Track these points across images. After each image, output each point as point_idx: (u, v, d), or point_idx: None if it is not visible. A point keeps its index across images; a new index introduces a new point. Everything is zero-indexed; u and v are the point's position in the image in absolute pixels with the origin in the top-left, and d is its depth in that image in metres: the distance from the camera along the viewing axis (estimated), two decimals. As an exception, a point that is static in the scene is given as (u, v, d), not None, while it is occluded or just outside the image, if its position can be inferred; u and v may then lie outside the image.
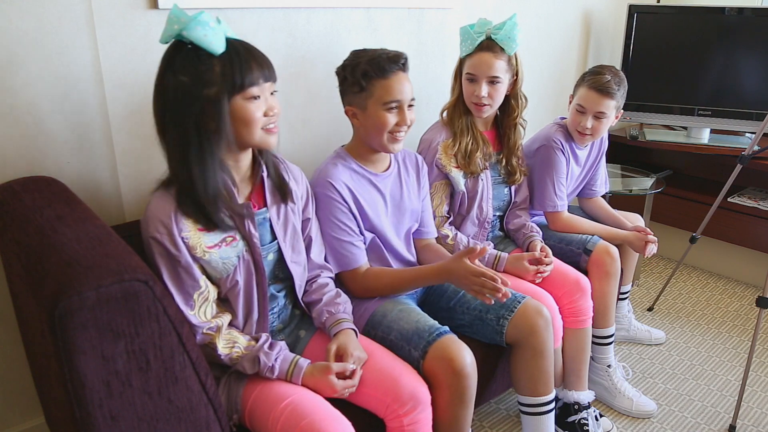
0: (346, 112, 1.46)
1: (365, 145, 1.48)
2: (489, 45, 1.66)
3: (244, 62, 1.11)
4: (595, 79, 1.80)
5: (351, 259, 1.45)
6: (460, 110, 1.73)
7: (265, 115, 1.16)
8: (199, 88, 1.09)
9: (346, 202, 1.43)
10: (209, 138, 1.12)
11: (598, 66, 1.85)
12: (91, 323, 0.88)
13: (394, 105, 1.39)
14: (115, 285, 0.89)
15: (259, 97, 1.14)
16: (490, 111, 1.72)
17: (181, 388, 1.01)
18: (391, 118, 1.40)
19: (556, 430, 1.66)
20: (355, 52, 1.43)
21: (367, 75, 1.37)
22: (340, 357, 1.24)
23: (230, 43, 1.11)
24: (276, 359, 1.20)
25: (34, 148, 1.35)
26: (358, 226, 1.46)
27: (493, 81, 1.67)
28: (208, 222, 1.15)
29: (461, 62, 1.72)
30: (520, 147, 1.86)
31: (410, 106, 1.43)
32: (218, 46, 1.09)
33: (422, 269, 1.46)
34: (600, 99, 1.79)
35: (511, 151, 1.81)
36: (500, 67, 1.66)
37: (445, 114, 1.76)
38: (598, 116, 1.82)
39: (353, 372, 1.22)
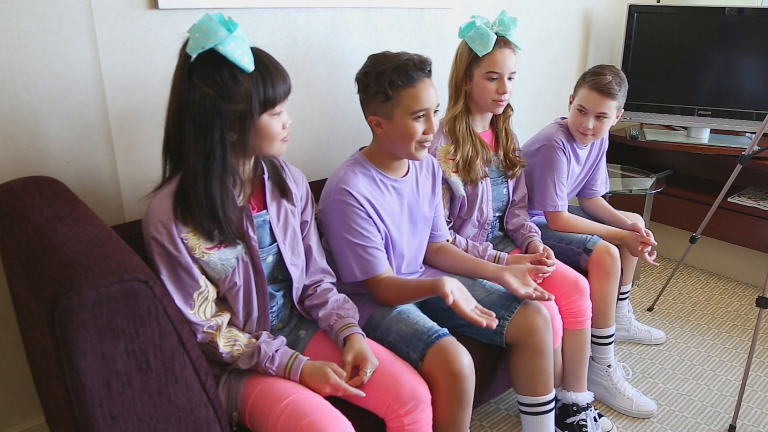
0: (370, 122, 1.42)
1: (388, 153, 1.45)
2: (505, 41, 1.67)
3: (274, 80, 1.12)
4: (596, 80, 1.80)
5: (375, 263, 1.41)
6: (462, 115, 1.72)
7: (283, 127, 1.18)
8: (225, 102, 1.09)
9: (364, 208, 1.40)
10: (228, 149, 1.12)
11: (598, 66, 1.84)
12: (91, 323, 0.88)
13: (422, 114, 1.36)
14: (115, 285, 0.89)
15: (281, 111, 1.16)
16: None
17: (181, 388, 1.01)
18: (419, 127, 1.36)
19: (555, 430, 1.65)
20: (376, 57, 1.39)
21: (393, 83, 1.33)
22: (356, 364, 1.24)
23: (257, 56, 1.11)
24: (277, 350, 1.20)
25: (34, 148, 1.35)
26: (379, 232, 1.44)
27: (511, 77, 1.69)
28: (210, 233, 1.14)
29: (472, 63, 1.68)
30: (515, 138, 1.86)
31: (435, 111, 1.40)
32: (250, 64, 1.09)
33: (420, 282, 1.41)
34: (601, 100, 1.79)
35: (508, 146, 1.81)
36: (515, 62, 1.70)
37: (446, 128, 1.72)
38: (600, 117, 1.82)
39: (359, 377, 1.21)
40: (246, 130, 1.12)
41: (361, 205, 1.39)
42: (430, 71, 1.37)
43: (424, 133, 1.38)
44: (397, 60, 1.34)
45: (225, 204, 1.14)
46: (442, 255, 1.64)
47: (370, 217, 1.41)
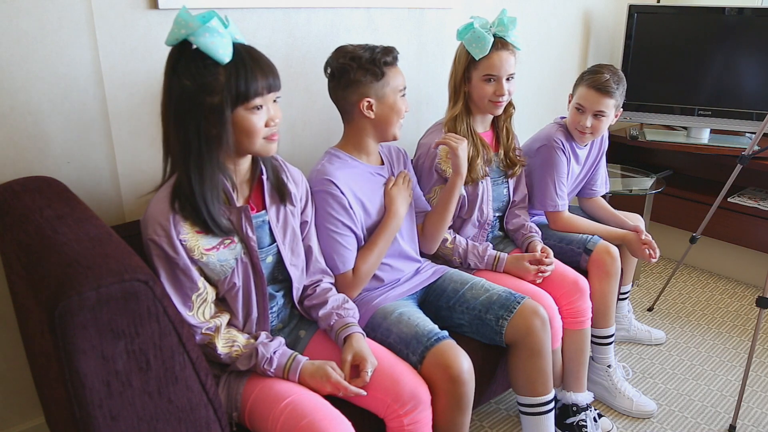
0: (359, 106, 1.43)
1: (366, 139, 1.48)
2: (503, 43, 1.66)
3: (249, 72, 1.10)
4: (594, 78, 1.80)
5: (346, 258, 1.43)
6: (462, 116, 1.72)
7: (267, 125, 1.16)
8: (202, 95, 1.08)
9: (346, 197, 1.42)
10: (210, 144, 1.11)
11: (597, 65, 1.85)
12: (91, 323, 0.88)
13: (404, 92, 1.46)
14: (115, 285, 0.89)
15: (261, 107, 1.14)
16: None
17: (181, 388, 1.01)
18: (403, 104, 1.46)
19: (555, 431, 1.65)
20: (345, 47, 1.45)
21: (386, 63, 1.41)
22: (355, 364, 1.24)
23: (237, 50, 1.10)
24: (275, 352, 1.20)
25: (34, 148, 1.36)
26: (357, 226, 1.45)
27: (509, 78, 1.69)
28: (206, 226, 1.14)
29: (470, 66, 1.68)
30: (515, 137, 1.86)
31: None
32: (225, 55, 1.07)
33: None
34: (599, 98, 1.79)
35: (509, 145, 1.81)
36: (514, 63, 1.69)
37: (446, 128, 1.72)
38: (598, 115, 1.82)
39: (361, 378, 1.21)
40: (221, 124, 1.10)
41: (343, 192, 1.42)
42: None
43: (405, 111, 1.48)
44: (372, 46, 1.43)
45: (207, 198, 1.12)
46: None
47: (351, 207, 1.44)
